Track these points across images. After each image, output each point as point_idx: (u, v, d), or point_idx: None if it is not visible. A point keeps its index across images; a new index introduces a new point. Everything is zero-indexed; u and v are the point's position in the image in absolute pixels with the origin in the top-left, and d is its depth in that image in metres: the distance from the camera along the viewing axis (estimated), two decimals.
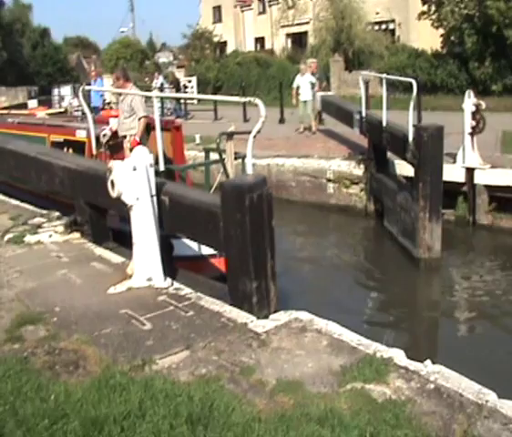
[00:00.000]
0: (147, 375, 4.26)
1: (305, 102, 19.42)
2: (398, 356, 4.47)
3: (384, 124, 12.50)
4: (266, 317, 5.41)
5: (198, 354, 4.57)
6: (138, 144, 8.53)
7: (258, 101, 5.99)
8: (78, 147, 10.40)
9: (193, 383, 4.12)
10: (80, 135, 10.53)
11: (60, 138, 11.09)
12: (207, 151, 10.58)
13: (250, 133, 5.62)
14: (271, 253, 5.64)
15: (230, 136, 9.75)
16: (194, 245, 8.27)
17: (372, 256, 12.38)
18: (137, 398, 3.89)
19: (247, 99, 6.61)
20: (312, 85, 19.67)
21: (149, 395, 3.93)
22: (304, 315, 5.26)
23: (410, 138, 10.70)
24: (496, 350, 7.72)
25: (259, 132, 5.64)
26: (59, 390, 4.08)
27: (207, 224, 5.98)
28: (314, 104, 19.49)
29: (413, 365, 4.34)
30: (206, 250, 8.27)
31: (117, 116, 10.41)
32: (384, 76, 14.74)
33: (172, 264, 7.07)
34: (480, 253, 11.83)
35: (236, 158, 9.82)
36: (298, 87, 19.84)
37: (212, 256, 8.39)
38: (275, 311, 5.57)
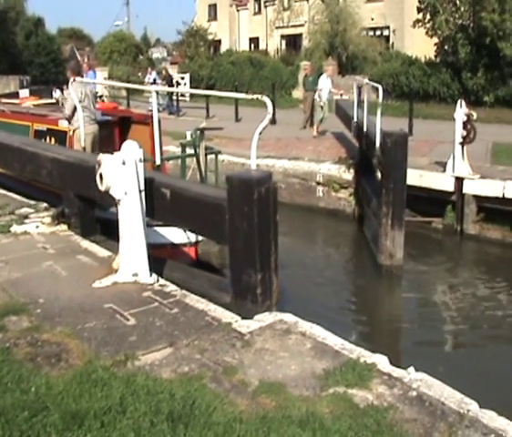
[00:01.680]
0: (129, 371, 4.24)
1: (325, 104, 19.36)
2: (382, 362, 4.46)
3: (365, 129, 12.56)
4: (269, 308, 5.57)
5: (181, 352, 4.55)
6: None
7: (265, 98, 6.19)
8: (60, 137, 10.70)
9: (175, 381, 4.10)
10: (63, 124, 10.78)
11: (43, 127, 11.39)
12: (183, 145, 10.80)
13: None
14: (275, 246, 5.80)
15: (201, 131, 10.11)
16: (166, 233, 8.35)
17: (344, 260, 12.39)
18: (118, 393, 3.87)
19: (254, 96, 6.78)
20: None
21: (131, 391, 3.91)
22: (289, 317, 5.25)
23: (377, 144, 10.73)
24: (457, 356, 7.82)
25: (264, 129, 5.91)
26: (40, 382, 4.05)
27: (211, 216, 6.06)
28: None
29: (396, 372, 4.33)
30: (178, 239, 8.37)
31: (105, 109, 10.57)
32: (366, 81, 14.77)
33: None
34: (462, 263, 11.89)
35: (208, 154, 10.38)
36: (321, 89, 19.63)
37: (184, 244, 8.46)
38: (276, 303, 5.71)
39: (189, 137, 11.51)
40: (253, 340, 4.79)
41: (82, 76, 10.25)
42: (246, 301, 5.64)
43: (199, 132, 10.02)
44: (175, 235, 8.52)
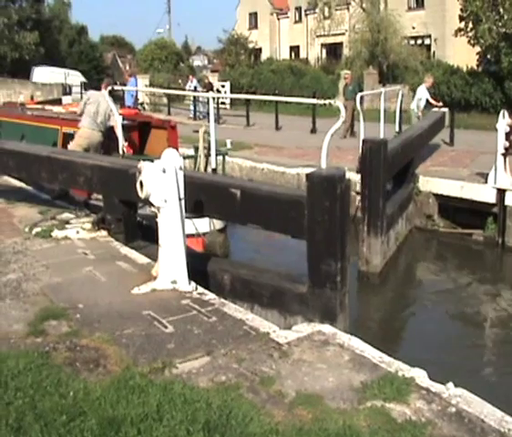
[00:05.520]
0: (166, 378, 4.24)
1: (422, 115, 19.14)
2: (420, 376, 4.40)
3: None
4: (344, 294, 6.17)
5: (218, 361, 4.54)
6: None
7: (338, 103, 6.85)
8: None
9: (212, 390, 4.09)
10: None
11: (71, 130, 12.08)
12: (195, 147, 11.89)
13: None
14: (348, 237, 6.29)
15: (206, 133, 11.24)
16: None
17: None
18: (155, 401, 3.88)
19: (327, 101, 7.31)
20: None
21: (168, 399, 3.92)
22: (327, 328, 5.23)
23: (359, 152, 10.67)
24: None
25: (337, 130, 6.49)
26: (78, 387, 4.08)
27: (287, 213, 6.44)
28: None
29: (434, 387, 4.26)
30: (186, 230, 8.73)
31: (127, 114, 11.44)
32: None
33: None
34: (503, 276, 11.67)
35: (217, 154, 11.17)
36: (420, 99, 19.34)
37: (192, 235, 8.79)
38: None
39: (229, 145, 12.11)
40: (291, 350, 4.77)
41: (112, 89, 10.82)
42: (325, 289, 6.07)
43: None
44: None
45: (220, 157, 12.28)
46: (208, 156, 11.59)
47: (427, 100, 19.13)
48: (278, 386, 4.22)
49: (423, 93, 19.23)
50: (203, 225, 9.54)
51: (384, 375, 4.39)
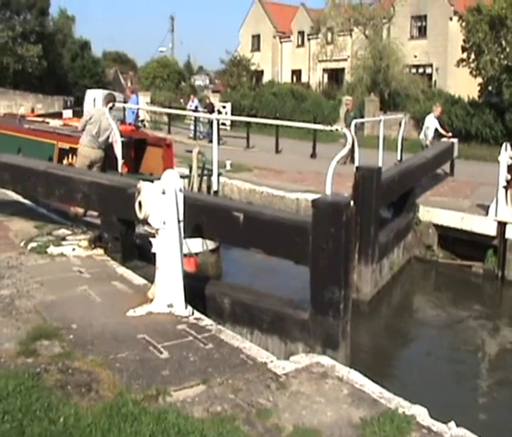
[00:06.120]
0: (160, 407, 4.12)
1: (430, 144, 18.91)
2: (421, 414, 4.28)
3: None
4: (347, 322, 6.18)
5: (214, 390, 4.41)
6: None
7: (345, 130, 6.87)
8: None
9: (207, 421, 3.97)
10: None
11: (67, 146, 12.14)
12: (190, 166, 11.91)
13: None
14: (351, 265, 6.35)
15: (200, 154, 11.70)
16: None
17: None
18: (148, 430, 3.76)
19: (333, 127, 7.34)
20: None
21: (161, 429, 3.80)
22: (326, 360, 5.10)
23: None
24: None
25: (347, 158, 6.53)
26: (69, 412, 3.95)
27: (291, 238, 6.43)
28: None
29: (436, 426, 4.14)
30: None
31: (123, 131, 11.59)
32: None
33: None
34: (502, 310, 11.53)
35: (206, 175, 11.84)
36: (428, 128, 19.17)
37: (184, 255, 8.72)
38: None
39: (228, 167, 12.15)
40: (289, 382, 4.64)
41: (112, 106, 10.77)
42: (327, 317, 6.05)
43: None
44: None
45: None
46: (201, 176, 11.82)
47: (436, 129, 19.03)
48: (275, 419, 4.10)
49: (431, 122, 19.13)
50: (196, 245, 9.48)
51: (383, 412, 4.26)
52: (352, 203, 6.43)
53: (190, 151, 12.11)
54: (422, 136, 19.43)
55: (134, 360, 4.81)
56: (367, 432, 3.99)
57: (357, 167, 10.70)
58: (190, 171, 11.66)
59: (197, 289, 6.88)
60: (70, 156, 11.91)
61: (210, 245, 10.25)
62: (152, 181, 6.01)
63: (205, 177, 12.42)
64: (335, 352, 6.00)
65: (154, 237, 8.10)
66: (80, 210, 10.04)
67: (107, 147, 11.14)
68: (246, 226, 6.67)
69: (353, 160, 20.48)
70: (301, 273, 10.73)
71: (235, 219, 6.70)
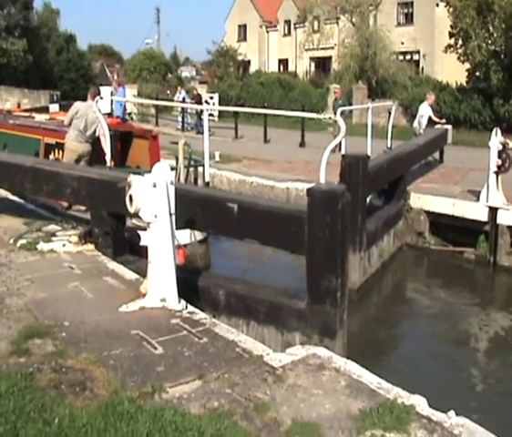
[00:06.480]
0: (156, 404, 4.05)
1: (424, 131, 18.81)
2: (420, 404, 4.23)
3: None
4: (344, 310, 6.14)
5: (210, 385, 4.35)
6: None
7: (338, 118, 7.21)
8: None
9: (204, 417, 3.90)
10: None
11: (53, 141, 12.04)
12: (176, 158, 11.85)
13: None
14: (348, 252, 6.37)
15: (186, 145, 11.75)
16: None
17: None
18: (145, 429, 3.69)
19: (327, 116, 7.45)
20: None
21: (158, 427, 3.73)
22: (322, 351, 5.05)
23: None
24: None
25: (341, 145, 6.49)
26: (64, 412, 3.88)
27: (287, 228, 6.43)
28: None
29: (435, 415, 4.10)
30: None
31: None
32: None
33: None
34: (494, 295, 11.59)
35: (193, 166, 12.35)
36: (422, 116, 19.04)
37: None
38: None
39: (217, 158, 12.12)
40: (286, 374, 4.58)
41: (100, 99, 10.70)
42: (325, 305, 6.05)
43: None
44: None
45: (201, 169, 12.28)
46: (187, 167, 11.87)
47: (430, 117, 18.97)
48: (273, 413, 4.04)
49: (425, 110, 19.05)
50: (184, 236, 9.40)
51: (382, 402, 4.21)
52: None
53: (176, 143, 12.01)
54: (416, 124, 19.35)
55: (128, 357, 4.74)
56: (367, 424, 3.94)
57: (343, 155, 10.73)
58: (177, 163, 11.60)
59: (190, 281, 6.83)
60: (56, 151, 11.85)
61: (199, 236, 10.21)
62: (140, 174, 5.94)
63: (191, 169, 12.39)
64: (333, 341, 6.00)
65: (142, 230, 8.15)
66: (65, 203, 9.97)
67: (94, 141, 11.05)
68: (240, 216, 6.65)
69: (340, 148, 20.54)
70: (290, 263, 10.85)
71: (229, 210, 6.67)
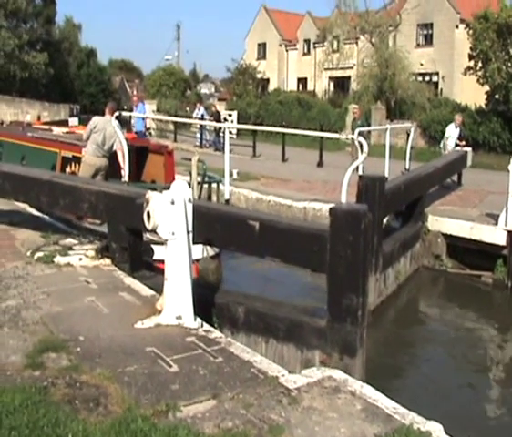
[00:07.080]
0: (170, 423, 4.02)
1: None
2: (436, 430, 4.18)
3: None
4: (364, 329, 6.18)
5: (225, 405, 4.32)
6: None
7: (361, 139, 6.99)
8: None
9: None
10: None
11: (69, 154, 12.11)
12: (190, 173, 11.90)
13: None
14: (369, 272, 6.47)
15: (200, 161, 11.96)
16: None
17: None
18: None
19: (349, 136, 7.54)
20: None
21: None
22: (338, 374, 5.00)
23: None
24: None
25: (358, 166, 6.95)
26: (77, 428, 3.86)
27: (309, 246, 6.42)
28: None
29: None
30: None
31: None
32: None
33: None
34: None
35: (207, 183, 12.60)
36: (447, 138, 18.84)
37: None
38: None
39: (235, 176, 12.22)
40: (301, 396, 4.54)
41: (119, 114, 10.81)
42: (345, 324, 6.07)
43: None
44: None
45: (214, 185, 12.34)
46: (201, 184, 11.94)
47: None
48: (287, 435, 4.00)
49: (451, 132, 18.89)
50: (196, 251, 9.40)
51: (398, 428, 4.16)
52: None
53: (189, 159, 12.04)
54: (441, 145, 19.22)
55: (143, 374, 4.72)
56: None
57: (360, 176, 10.66)
58: (191, 179, 11.61)
59: (206, 297, 6.86)
60: (73, 164, 11.91)
61: (211, 251, 10.22)
62: (155, 189, 5.94)
63: (205, 186, 12.41)
64: (353, 359, 6.02)
65: (156, 244, 8.14)
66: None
67: (110, 155, 11.11)
68: (262, 234, 6.67)
69: (357, 169, 20.46)
70: (301, 280, 10.84)
71: (250, 228, 6.69)
